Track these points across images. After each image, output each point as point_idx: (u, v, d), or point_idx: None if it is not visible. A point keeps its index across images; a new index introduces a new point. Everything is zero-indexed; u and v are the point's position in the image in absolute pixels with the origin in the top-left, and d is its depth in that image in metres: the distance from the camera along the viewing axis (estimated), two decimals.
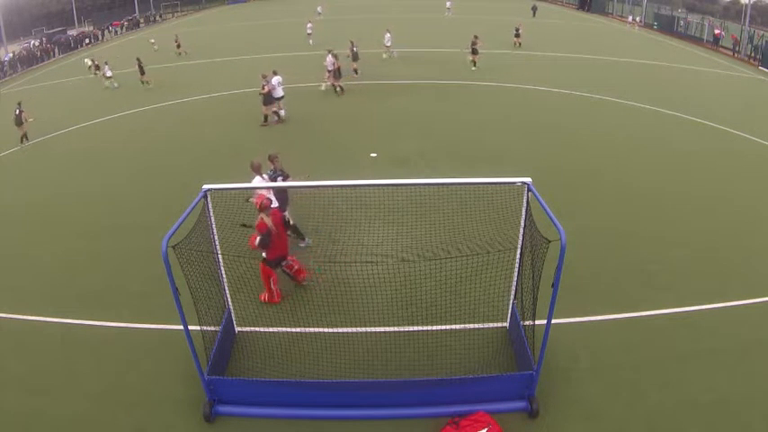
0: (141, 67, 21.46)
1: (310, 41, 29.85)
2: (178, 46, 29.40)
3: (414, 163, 12.48)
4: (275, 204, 8.18)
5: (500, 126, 15.37)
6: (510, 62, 24.80)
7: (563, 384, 5.93)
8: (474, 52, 22.44)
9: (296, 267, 7.80)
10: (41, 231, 10.07)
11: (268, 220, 7.14)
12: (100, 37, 41.79)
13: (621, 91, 19.00)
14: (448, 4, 42.61)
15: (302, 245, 8.85)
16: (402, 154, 13.05)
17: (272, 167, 8.64)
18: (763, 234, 9.23)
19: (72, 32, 43.33)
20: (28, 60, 33.04)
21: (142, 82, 21.47)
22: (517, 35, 28.09)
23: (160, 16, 53.61)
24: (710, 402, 5.70)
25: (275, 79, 15.80)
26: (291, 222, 8.64)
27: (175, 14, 55.72)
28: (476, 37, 22.57)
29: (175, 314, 5.11)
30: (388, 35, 24.99)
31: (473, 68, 22.35)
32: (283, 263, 7.63)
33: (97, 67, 24.48)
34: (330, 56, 18.82)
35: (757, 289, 7.64)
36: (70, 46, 38.11)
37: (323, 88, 19.46)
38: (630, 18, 40.80)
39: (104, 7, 53.21)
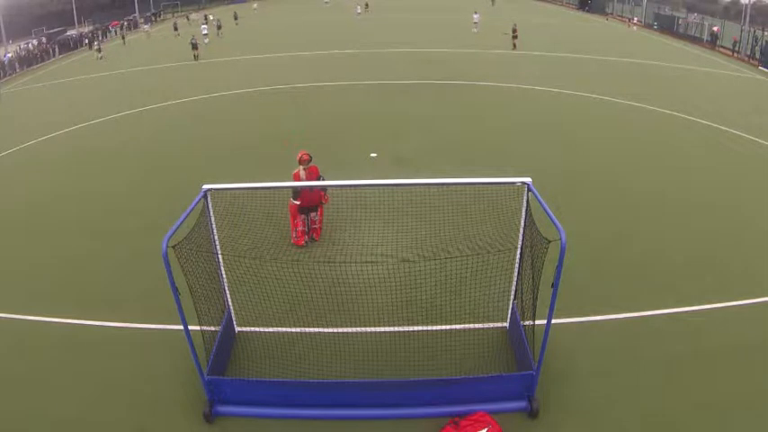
0: None
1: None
2: (99, 50, 31.32)
3: (414, 163, 12.48)
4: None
5: (500, 126, 15.37)
6: (502, 61, 24.81)
7: (563, 384, 5.93)
8: None
9: (316, 226, 8.96)
10: (41, 231, 10.06)
11: (303, 174, 8.47)
12: (99, 36, 41.77)
13: (621, 91, 19.01)
14: (358, 8, 43.47)
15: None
16: (402, 154, 13.05)
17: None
18: (763, 234, 9.22)
19: (72, 32, 43.31)
20: (27, 60, 33.01)
21: None
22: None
23: (159, 16, 53.56)
24: (710, 403, 5.69)
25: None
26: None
27: (175, 14, 55.64)
28: None
29: (175, 314, 5.10)
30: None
31: None
32: (311, 213, 8.77)
33: None
34: None
35: (757, 289, 7.64)
36: (69, 46, 38.08)
37: None
38: (636, 19, 40.91)
39: (104, 7, 53.15)
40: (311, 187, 8.38)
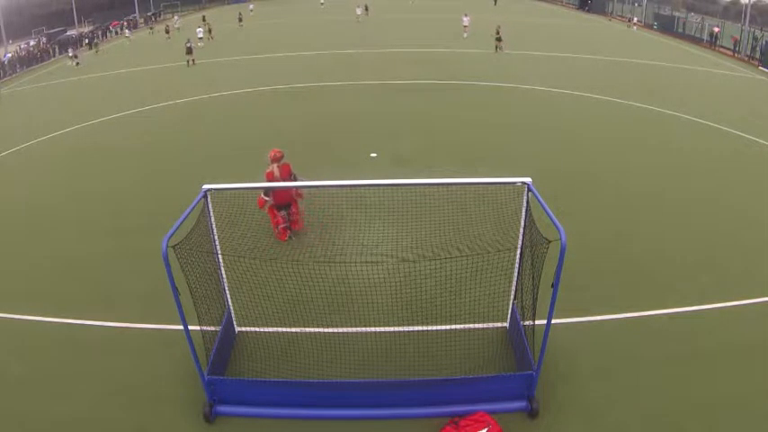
0: None
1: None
2: (75, 56, 30.90)
3: (414, 163, 12.48)
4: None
5: (500, 126, 15.37)
6: (505, 61, 24.81)
7: (563, 384, 5.93)
8: None
9: (295, 218, 9.06)
10: (41, 231, 10.06)
11: (277, 171, 8.50)
12: (99, 36, 41.77)
13: (621, 91, 19.01)
14: (358, 10, 42.24)
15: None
16: (402, 154, 13.05)
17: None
18: (762, 234, 9.22)
19: (72, 32, 43.30)
20: (27, 60, 33.01)
21: None
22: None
23: (159, 16, 53.55)
24: (710, 403, 5.69)
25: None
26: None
27: (174, 15, 55.65)
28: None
29: (175, 314, 5.10)
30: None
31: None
32: (284, 211, 8.80)
33: None
34: None
35: (757, 289, 7.64)
36: (69, 46, 38.04)
37: None
38: (636, 19, 40.91)
39: (104, 7, 53.16)
40: (296, 187, 8.50)
